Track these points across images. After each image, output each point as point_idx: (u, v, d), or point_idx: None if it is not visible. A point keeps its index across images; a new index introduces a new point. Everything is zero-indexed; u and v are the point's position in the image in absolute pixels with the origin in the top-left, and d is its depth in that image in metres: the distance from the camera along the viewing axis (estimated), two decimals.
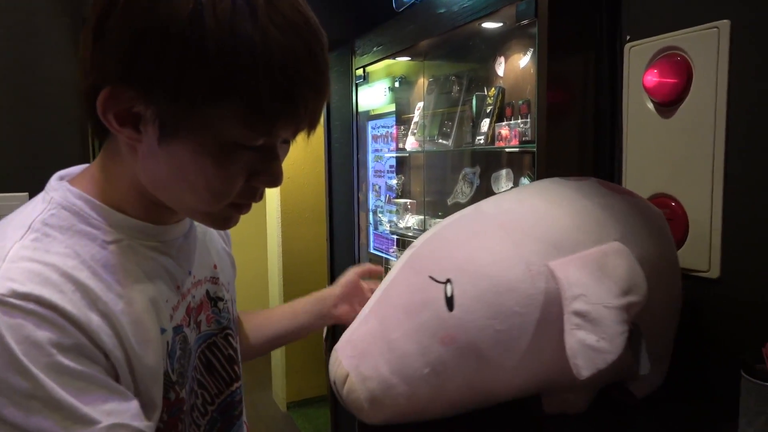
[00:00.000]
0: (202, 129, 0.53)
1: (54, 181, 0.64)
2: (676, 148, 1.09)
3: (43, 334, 0.50)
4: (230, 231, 0.82)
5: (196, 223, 0.73)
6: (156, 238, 0.64)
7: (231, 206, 0.61)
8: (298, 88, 0.53)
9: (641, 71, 1.13)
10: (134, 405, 0.54)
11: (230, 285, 0.80)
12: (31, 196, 1.85)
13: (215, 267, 0.76)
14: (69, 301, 0.52)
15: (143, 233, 0.63)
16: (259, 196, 0.62)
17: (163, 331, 0.62)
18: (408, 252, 0.88)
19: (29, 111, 1.75)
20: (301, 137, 0.63)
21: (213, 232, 0.80)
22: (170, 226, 0.66)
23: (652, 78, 1.10)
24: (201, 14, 0.49)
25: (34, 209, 0.60)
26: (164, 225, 0.65)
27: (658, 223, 0.91)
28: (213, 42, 0.49)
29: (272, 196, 3.70)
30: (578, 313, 0.72)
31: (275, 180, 0.60)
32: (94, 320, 0.54)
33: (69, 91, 1.80)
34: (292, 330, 0.99)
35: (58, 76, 1.78)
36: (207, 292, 0.73)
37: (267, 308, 1.04)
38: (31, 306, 0.50)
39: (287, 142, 0.62)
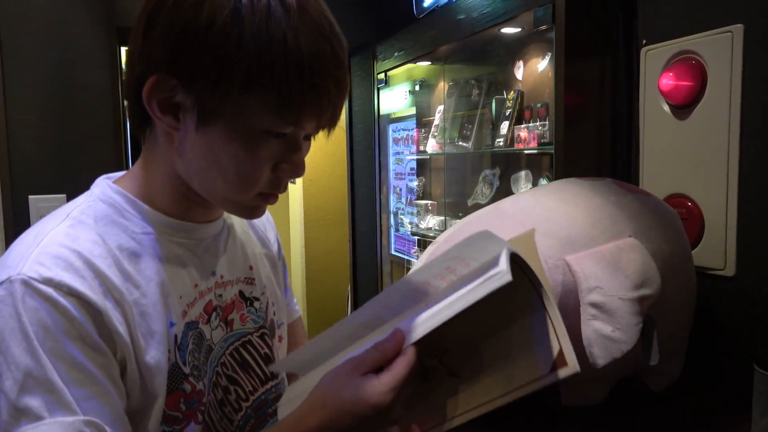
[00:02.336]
0: (236, 116, 0.59)
1: (99, 179, 0.70)
2: (691, 149, 1.12)
3: (55, 320, 0.55)
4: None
5: (235, 227, 0.78)
6: (184, 234, 0.68)
7: (259, 196, 0.65)
8: (322, 80, 0.59)
9: (657, 74, 1.16)
10: (117, 411, 0.58)
11: (270, 288, 0.81)
12: (68, 198, 1.93)
13: (251, 268, 0.79)
14: (88, 287, 0.58)
15: (172, 228, 0.67)
16: (283, 186, 0.66)
17: (171, 324, 0.65)
18: (429, 249, 0.92)
19: (66, 116, 1.83)
20: (321, 135, 0.68)
21: (252, 237, 0.83)
22: (200, 225, 0.70)
23: (667, 81, 1.13)
24: (240, 12, 0.55)
25: (76, 202, 0.66)
26: (194, 223, 0.69)
27: (672, 221, 0.94)
28: (250, 37, 0.55)
29: (295, 198, 3.76)
30: (594, 305, 0.75)
31: (297, 169, 0.64)
32: (108, 306, 0.59)
33: (103, 97, 1.87)
34: None
35: (93, 83, 1.85)
36: (241, 292, 0.76)
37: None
38: (50, 291, 0.56)
39: (308, 139, 0.67)
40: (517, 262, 0.56)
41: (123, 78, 2.22)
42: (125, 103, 2.22)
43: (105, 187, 0.67)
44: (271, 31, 0.56)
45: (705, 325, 1.04)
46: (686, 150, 1.13)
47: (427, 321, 0.56)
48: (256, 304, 0.77)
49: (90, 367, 0.57)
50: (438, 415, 0.62)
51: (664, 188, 1.16)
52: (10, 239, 1.75)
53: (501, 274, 0.51)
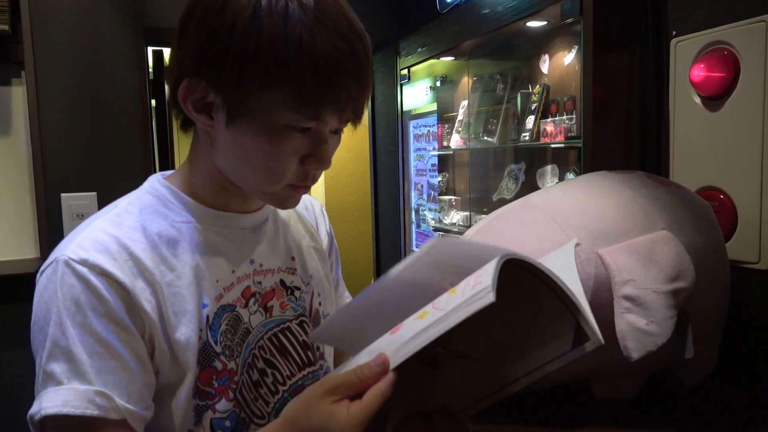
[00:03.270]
0: (259, 113, 0.62)
1: (151, 176, 0.75)
2: (724, 141, 1.10)
3: (86, 297, 0.61)
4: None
5: (281, 219, 0.82)
6: (223, 223, 0.73)
7: (289, 187, 0.69)
8: (338, 76, 0.61)
9: (688, 66, 1.14)
10: (135, 386, 0.63)
11: (317, 279, 0.85)
12: (99, 196, 1.96)
13: (293, 259, 0.82)
14: (119, 269, 0.63)
15: (212, 218, 0.72)
16: (311, 179, 0.69)
17: (204, 305, 0.69)
18: None
19: (95, 116, 1.86)
20: (348, 130, 0.71)
21: (300, 230, 0.86)
22: (238, 215, 0.75)
23: (699, 72, 1.12)
24: (259, 16, 0.59)
25: (128, 196, 0.73)
26: (233, 213, 0.74)
27: (705, 213, 0.93)
28: (268, 38, 0.59)
29: (317, 194, 3.79)
30: (628, 298, 0.75)
31: (322, 162, 0.67)
32: (138, 285, 0.64)
33: (131, 97, 1.90)
34: None
35: (122, 83, 1.88)
36: (282, 281, 0.79)
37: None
38: (85, 270, 0.62)
39: (337, 133, 0.70)
40: (516, 264, 0.55)
41: (151, 78, 2.26)
42: (153, 102, 2.27)
43: (155, 181, 0.73)
44: (287, 32, 0.59)
45: (739, 319, 1.03)
46: (718, 142, 1.11)
47: (410, 342, 0.54)
48: (297, 293, 0.80)
49: (113, 343, 0.62)
50: (469, 396, 0.63)
51: (696, 181, 1.15)
52: (44, 235, 1.80)
53: (485, 291, 0.49)
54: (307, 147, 0.66)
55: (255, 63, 0.59)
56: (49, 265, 0.64)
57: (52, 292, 0.62)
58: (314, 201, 0.95)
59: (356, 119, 0.68)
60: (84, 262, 0.62)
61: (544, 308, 0.58)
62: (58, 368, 0.60)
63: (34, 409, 0.60)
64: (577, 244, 0.69)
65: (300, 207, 0.89)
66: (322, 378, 0.63)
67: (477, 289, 0.50)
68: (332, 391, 0.57)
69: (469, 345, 0.61)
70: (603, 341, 0.54)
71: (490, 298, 0.49)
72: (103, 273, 0.62)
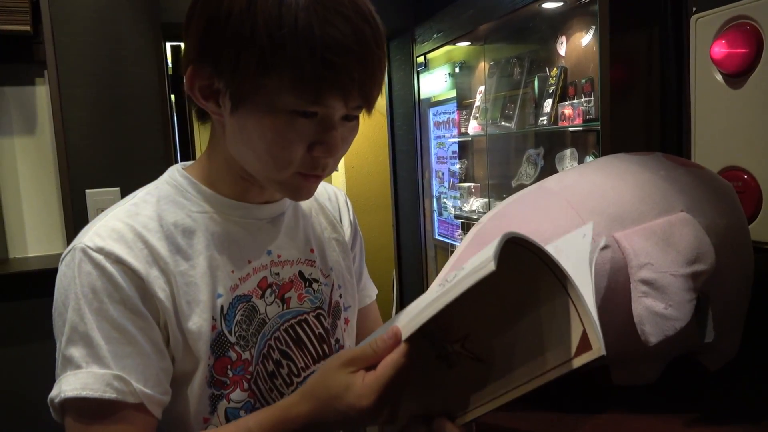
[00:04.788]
0: (260, 98, 0.62)
1: (171, 167, 0.76)
2: (747, 119, 1.07)
3: (102, 284, 0.63)
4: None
5: (302, 211, 0.82)
6: (240, 214, 0.73)
7: (298, 175, 0.67)
8: (339, 58, 0.59)
9: (708, 43, 1.11)
10: (151, 370, 0.64)
11: (337, 271, 0.84)
12: (122, 192, 2.01)
13: (312, 251, 0.82)
14: (134, 257, 0.65)
15: (229, 208, 0.73)
16: (321, 167, 0.67)
17: (219, 295, 0.70)
18: (474, 229, 0.92)
19: (116, 113, 1.90)
20: (366, 119, 0.69)
21: (322, 222, 0.86)
22: (257, 206, 0.75)
23: (720, 49, 1.09)
24: (255, 1, 0.59)
25: (148, 186, 0.74)
26: (251, 203, 0.74)
27: (727, 194, 0.91)
28: (262, 21, 0.58)
29: (337, 184, 3.80)
30: (645, 281, 0.74)
31: (330, 149, 0.65)
32: (152, 274, 0.65)
33: (150, 92, 1.93)
34: None
35: (141, 79, 1.91)
36: (300, 272, 0.79)
37: None
38: (100, 258, 0.63)
39: (350, 120, 0.67)
40: (528, 248, 0.55)
41: (170, 74, 2.28)
42: (172, 97, 2.29)
43: (174, 172, 0.75)
44: (282, 13, 0.58)
45: (763, 302, 1.00)
46: (741, 120, 1.08)
47: (420, 314, 0.55)
48: (315, 285, 0.80)
49: (129, 328, 0.63)
50: (473, 401, 0.62)
51: (718, 161, 1.12)
52: (69, 230, 1.84)
53: (486, 261, 0.50)
54: (314, 134, 0.64)
55: (251, 47, 0.59)
56: (68, 252, 0.66)
57: (71, 279, 0.64)
58: (338, 191, 0.94)
59: (367, 105, 0.66)
60: (100, 250, 0.64)
61: (556, 310, 0.57)
62: (76, 353, 0.62)
63: (53, 393, 0.62)
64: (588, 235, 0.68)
65: (323, 198, 0.88)
66: (340, 351, 0.64)
67: (480, 259, 0.51)
68: (349, 362, 0.59)
69: (485, 347, 0.61)
70: (605, 353, 0.53)
71: (491, 267, 0.49)
72: (118, 261, 0.64)
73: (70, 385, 0.61)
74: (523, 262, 0.55)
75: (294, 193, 0.71)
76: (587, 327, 0.54)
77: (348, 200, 0.94)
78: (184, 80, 0.65)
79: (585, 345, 0.55)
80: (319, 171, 0.68)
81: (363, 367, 0.58)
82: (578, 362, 0.55)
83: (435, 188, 2.89)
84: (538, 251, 0.55)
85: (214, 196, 0.72)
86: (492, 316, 0.60)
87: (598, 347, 0.53)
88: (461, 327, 0.61)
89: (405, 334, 0.57)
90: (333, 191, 0.92)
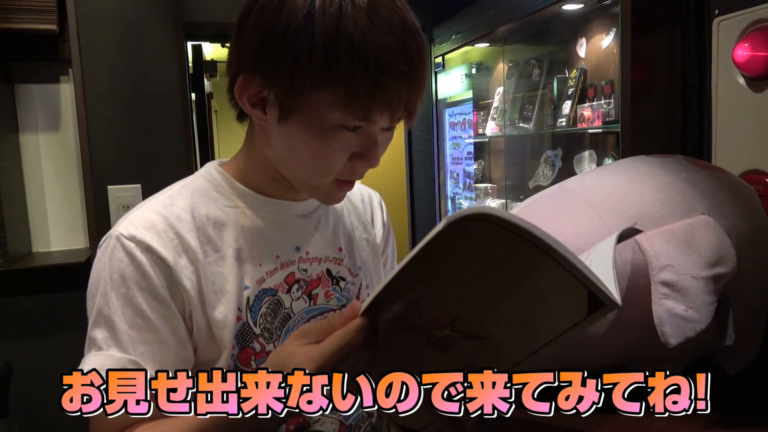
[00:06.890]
0: (310, 111, 0.63)
1: (208, 163, 0.79)
2: None
3: (131, 271, 0.66)
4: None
5: (334, 210, 0.84)
6: (271, 210, 0.76)
7: (335, 182, 0.70)
8: (389, 78, 0.61)
9: (731, 46, 1.11)
10: (169, 358, 0.66)
11: (366, 271, 0.85)
12: (143, 188, 2.04)
13: (340, 250, 0.83)
14: (164, 246, 0.67)
15: (261, 203, 0.75)
16: (359, 174, 0.71)
17: (245, 287, 0.72)
18: None
19: (138, 111, 1.93)
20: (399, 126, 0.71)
21: (354, 222, 0.87)
22: (288, 203, 0.77)
23: (743, 52, 1.08)
24: (313, 17, 0.60)
25: (184, 179, 0.77)
26: (283, 200, 0.76)
27: (749, 197, 0.90)
28: (320, 39, 0.60)
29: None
30: (666, 283, 0.74)
31: (371, 160, 0.68)
32: (180, 263, 0.68)
33: (172, 91, 1.96)
34: None
35: (162, 78, 1.94)
36: (328, 270, 0.81)
37: None
38: (132, 246, 0.66)
39: (389, 130, 0.70)
40: (502, 225, 0.53)
41: (191, 73, 2.31)
42: (192, 96, 2.31)
43: (210, 167, 0.77)
44: (339, 33, 0.59)
45: None
46: (763, 123, 1.08)
47: (378, 287, 0.55)
48: (342, 284, 0.82)
49: (152, 316, 0.66)
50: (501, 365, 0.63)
51: (740, 164, 1.12)
52: (92, 226, 1.88)
53: (438, 224, 0.50)
54: (357, 144, 0.67)
55: (307, 64, 0.60)
56: (105, 239, 0.69)
57: (104, 264, 0.67)
58: (373, 193, 0.95)
59: (409, 118, 0.69)
60: (132, 239, 0.67)
61: (550, 279, 0.56)
62: (100, 335, 0.65)
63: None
64: (621, 235, 0.68)
65: (356, 198, 0.90)
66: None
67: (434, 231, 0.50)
68: (303, 334, 0.57)
69: (477, 325, 0.61)
70: (620, 303, 0.53)
71: (438, 228, 0.49)
72: (148, 249, 0.67)
73: (90, 365, 0.64)
74: (499, 239, 0.53)
75: (327, 198, 0.74)
76: (591, 287, 0.54)
77: (383, 202, 0.95)
78: (235, 87, 0.67)
79: (595, 304, 0.55)
80: (356, 178, 0.71)
81: (317, 340, 0.56)
82: (593, 319, 0.55)
83: (450, 189, 2.89)
84: (513, 227, 0.53)
85: (246, 191, 0.75)
86: (477, 296, 0.59)
87: (612, 301, 0.53)
88: (446, 314, 0.60)
89: (362, 309, 0.55)
90: (367, 192, 0.93)
